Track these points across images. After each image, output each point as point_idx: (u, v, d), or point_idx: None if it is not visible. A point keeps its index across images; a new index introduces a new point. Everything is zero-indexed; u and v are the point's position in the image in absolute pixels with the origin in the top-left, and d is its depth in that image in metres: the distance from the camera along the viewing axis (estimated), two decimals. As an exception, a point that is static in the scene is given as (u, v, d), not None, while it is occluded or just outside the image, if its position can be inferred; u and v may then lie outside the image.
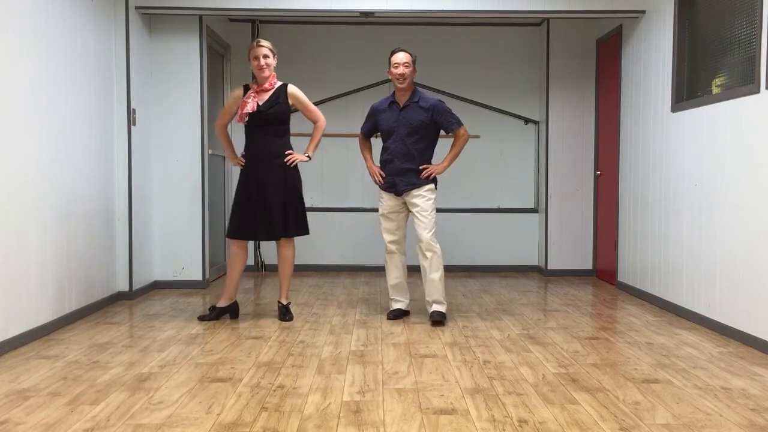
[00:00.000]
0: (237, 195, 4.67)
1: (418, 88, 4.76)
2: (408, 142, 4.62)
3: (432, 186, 4.68)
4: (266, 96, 4.60)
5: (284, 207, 4.59)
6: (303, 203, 4.72)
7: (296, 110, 4.77)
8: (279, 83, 4.66)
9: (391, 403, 2.96)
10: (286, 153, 4.61)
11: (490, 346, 4.00)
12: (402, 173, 4.63)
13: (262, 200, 4.57)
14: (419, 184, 4.62)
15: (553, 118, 6.87)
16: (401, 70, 4.59)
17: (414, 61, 4.65)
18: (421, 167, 4.62)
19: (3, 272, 3.74)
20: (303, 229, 4.71)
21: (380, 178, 4.73)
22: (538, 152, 7.23)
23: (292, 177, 4.64)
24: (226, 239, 4.76)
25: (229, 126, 4.91)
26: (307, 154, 4.69)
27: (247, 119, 4.56)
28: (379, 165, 4.78)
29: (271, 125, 4.59)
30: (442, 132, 4.75)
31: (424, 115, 4.61)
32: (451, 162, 4.69)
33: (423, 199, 4.61)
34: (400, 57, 4.60)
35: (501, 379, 3.33)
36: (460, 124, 4.68)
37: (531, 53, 7.28)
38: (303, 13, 5.69)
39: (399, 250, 4.77)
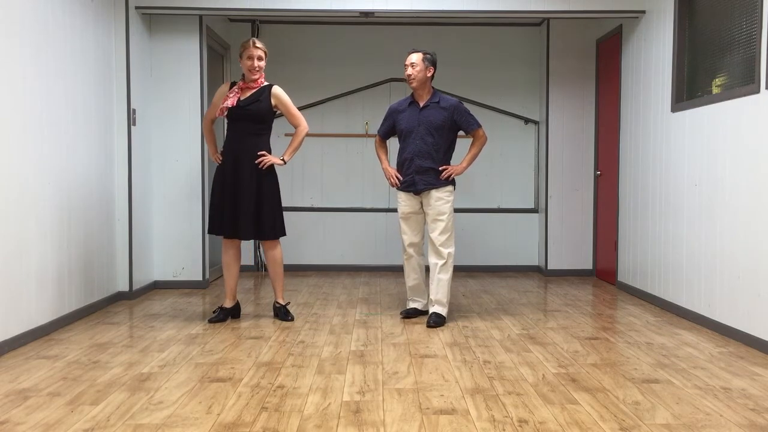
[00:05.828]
0: (212, 192, 4.64)
1: (437, 89, 4.77)
2: (428, 141, 4.64)
3: (451, 188, 4.69)
4: (249, 93, 4.59)
5: (258, 208, 4.52)
6: (280, 205, 4.63)
7: (280, 113, 4.72)
8: (265, 83, 4.65)
9: (391, 403, 2.96)
10: (259, 153, 4.54)
11: (490, 346, 4.00)
12: (422, 172, 4.64)
13: (234, 199, 4.51)
14: (438, 184, 4.63)
15: (553, 118, 6.87)
16: (408, 71, 4.64)
17: (429, 61, 4.65)
18: (440, 168, 4.64)
19: (3, 272, 3.74)
20: (278, 232, 4.62)
21: (396, 180, 4.74)
22: (538, 152, 7.23)
23: (267, 178, 4.56)
24: (223, 240, 4.72)
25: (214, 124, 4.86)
26: (282, 158, 4.62)
27: (226, 113, 4.55)
28: (395, 167, 4.79)
29: (249, 122, 4.55)
30: (460, 133, 4.79)
31: (443, 115, 4.64)
32: (470, 163, 4.72)
33: (441, 202, 4.62)
34: (409, 58, 4.65)
35: (501, 379, 3.33)
36: (479, 125, 4.73)
37: (531, 53, 7.28)
38: (303, 13, 5.69)
39: (417, 252, 4.79)
